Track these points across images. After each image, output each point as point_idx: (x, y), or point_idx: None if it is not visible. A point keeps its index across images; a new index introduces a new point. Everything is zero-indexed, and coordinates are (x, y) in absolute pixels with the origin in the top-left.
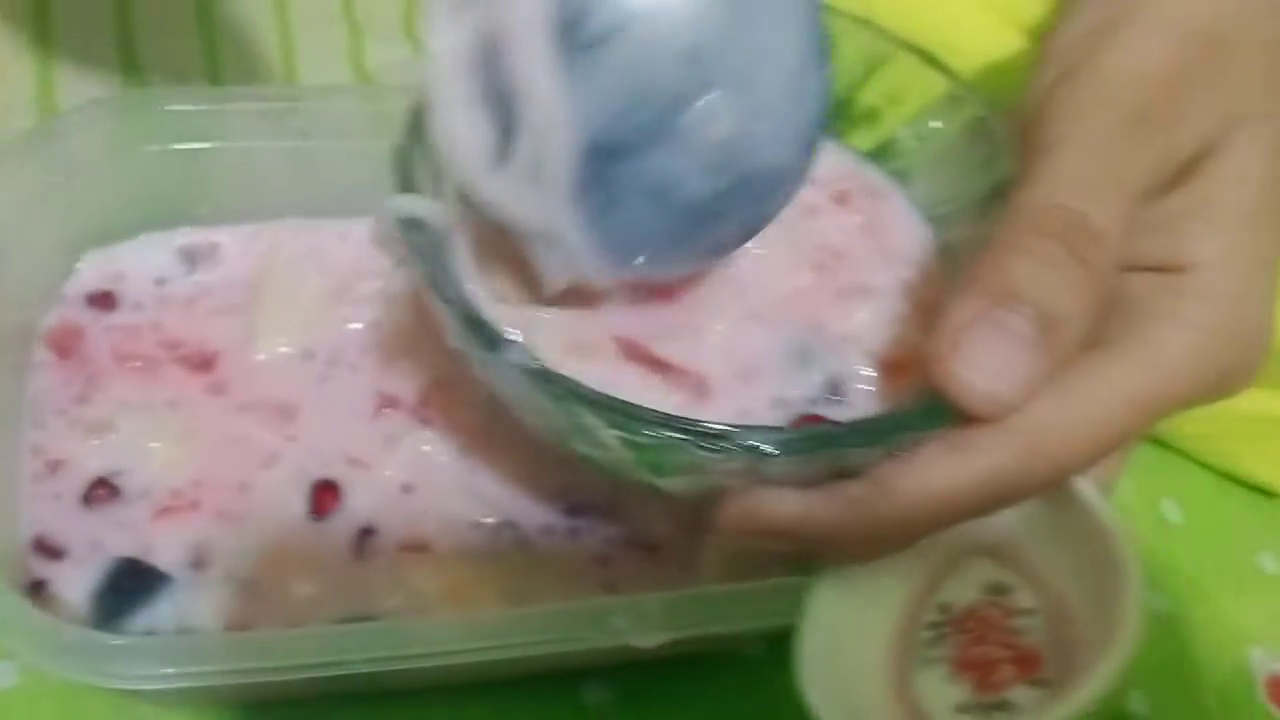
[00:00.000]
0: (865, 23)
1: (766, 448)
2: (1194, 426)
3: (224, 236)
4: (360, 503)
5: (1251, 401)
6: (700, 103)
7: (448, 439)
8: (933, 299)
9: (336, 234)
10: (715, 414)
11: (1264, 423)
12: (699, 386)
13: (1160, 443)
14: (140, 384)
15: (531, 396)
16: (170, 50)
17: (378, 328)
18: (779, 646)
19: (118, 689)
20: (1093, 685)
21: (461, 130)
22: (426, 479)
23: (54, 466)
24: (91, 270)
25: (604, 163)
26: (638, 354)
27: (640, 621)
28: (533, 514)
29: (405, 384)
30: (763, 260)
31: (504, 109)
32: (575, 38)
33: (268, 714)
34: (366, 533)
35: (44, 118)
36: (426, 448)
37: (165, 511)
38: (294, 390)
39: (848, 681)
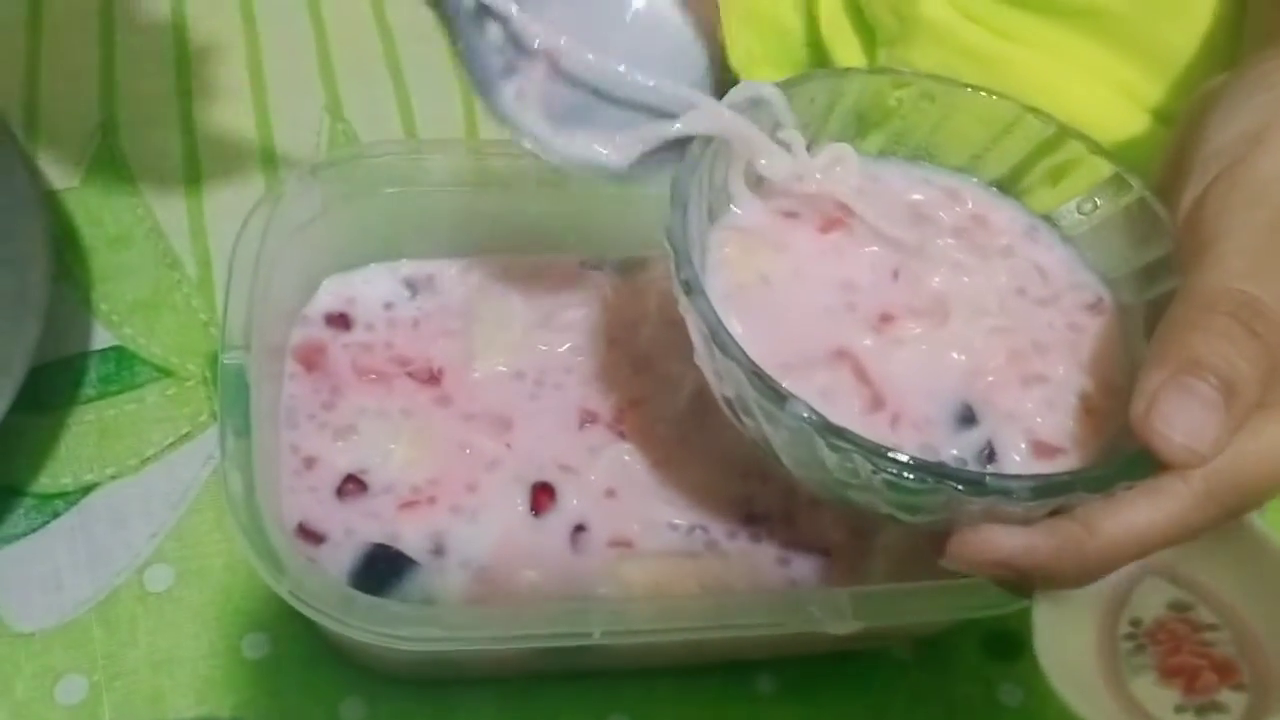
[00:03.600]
0: (1035, 110)
1: (1020, 492)
2: None
3: (438, 269)
4: (572, 503)
5: None
6: None
7: (643, 451)
8: (1100, 393)
9: (533, 269)
10: (879, 434)
11: None
12: (876, 401)
13: None
14: (376, 394)
15: (809, 446)
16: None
17: (578, 351)
18: (924, 647)
19: (357, 660)
20: None
21: None
22: (626, 485)
23: (309, 463)
24: (329, 295)
25: None
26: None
27: (834, 611)
28: (718, 519)
29: (603, 402)
30: (973, 324)
31: None
32: None
33: (483, 688)
34: (579, 529)
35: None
36: (626, 458)
37: (407, 505)
38: (508, 404)
39: (1075, 682)
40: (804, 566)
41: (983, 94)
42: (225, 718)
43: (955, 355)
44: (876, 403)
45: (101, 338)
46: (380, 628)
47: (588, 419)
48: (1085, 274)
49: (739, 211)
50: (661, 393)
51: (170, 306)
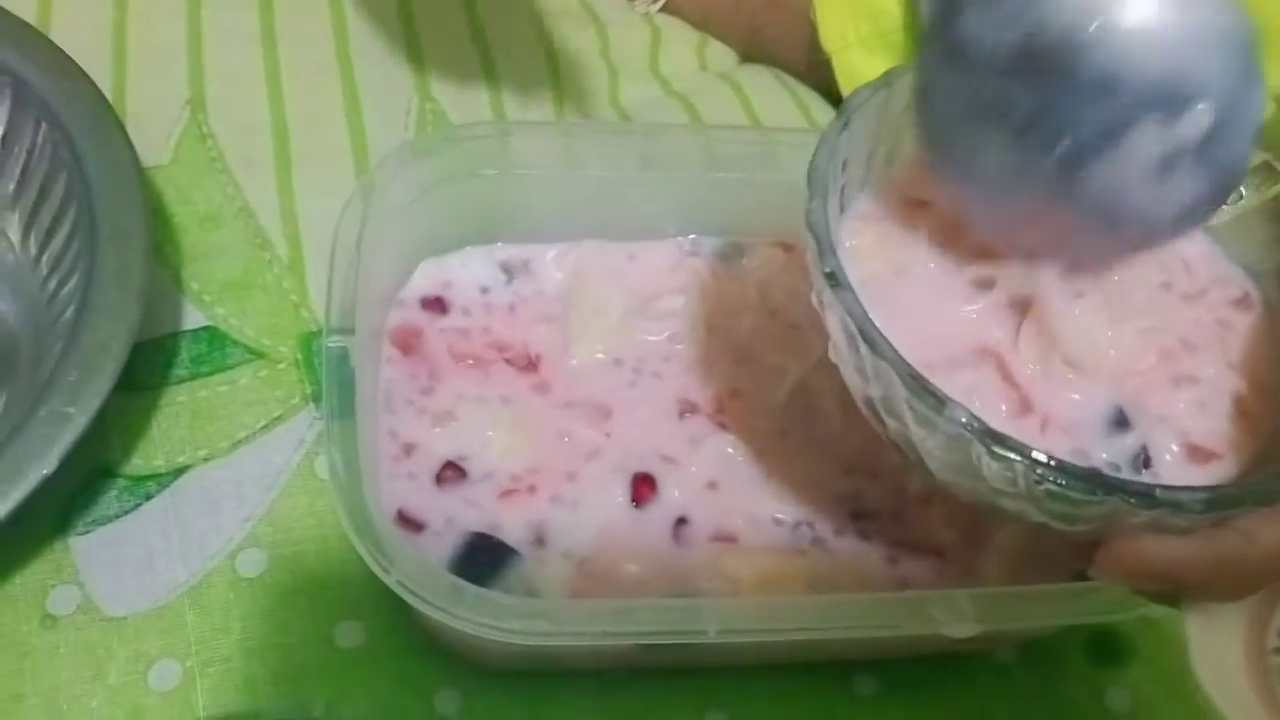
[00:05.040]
0: None
1: (1192, 505)
2: None
3: (534, 253)
4: (673, 495)
5: None
6: None
7: (745, 444)
8: (1253, 394)
9: (628, 255)
10: (1029, 440)
11: None
12: (1024, 404)
13: None
14: (475, 380)
15: (965, 453)
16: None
17: (677, 340)
18: (1028, 651)
19: (452, 651)
20: None
21: None
22: (729, 477)
23: (408, 449)
24: (424, 279)
25: None
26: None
27: (954, 613)
28: (824, 515)
29: (702, 392)
30: (1123, 321)
31: None
32: None
33: (580, 682)
34: (681, 522)
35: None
36: (729, 450)
37: (507, 493)
38: (607, 392)
39: (1231, 696)
40: (914, 566)
41: None
42: (319, 705)
43: (1110, 351)
44: (1024, 406)
45: (193, 318)
46: (489, 620)
47: (687, 409)
48: (1229, 267)
49: (870, 199)
50: (763, 384)
51: (261, 287)
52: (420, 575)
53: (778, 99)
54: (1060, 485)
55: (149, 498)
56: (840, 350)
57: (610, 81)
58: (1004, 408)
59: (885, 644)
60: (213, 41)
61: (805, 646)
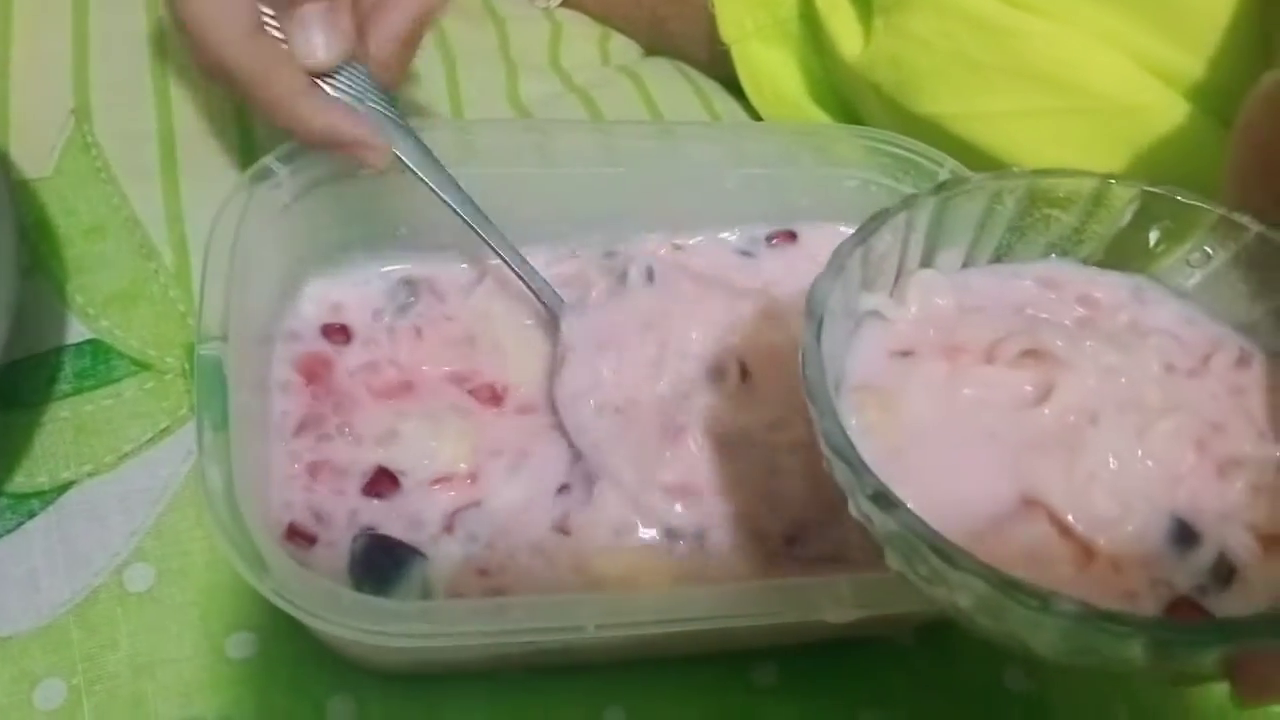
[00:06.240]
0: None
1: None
2: None
3: (435, 270)
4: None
5: None
6: None
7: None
8: None
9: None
10: (1108, 588)
11: None
12: (1085, 552)
13: None
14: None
15: (1080, 637)
16: None
17: None
18: (926, 635)
19: (345, 657)
20: None
21: None
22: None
23: (313, 469)
24: (310, 303)
25: None
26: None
27: (834, 599)
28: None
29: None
30: (1161, 436)
31: None
32: None
33: (474, 684)
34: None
35: None
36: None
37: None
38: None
39: None
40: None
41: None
42: (210, 718)
43: (1149, 464)
44: (1086, 554)
45: (76, 331)
46: (366, 625)
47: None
48: (1216, 327)
49: (856, 368)
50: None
51: (147, 298)
52: (296, 583)
53: (679, 91)
54: (1189, 644)
55: (32, 515)
56: (899, 563)
57: (509, 78)
58: (1068, 558)
59: (782, 632)
60: (99, 47)
61: (703, 638)
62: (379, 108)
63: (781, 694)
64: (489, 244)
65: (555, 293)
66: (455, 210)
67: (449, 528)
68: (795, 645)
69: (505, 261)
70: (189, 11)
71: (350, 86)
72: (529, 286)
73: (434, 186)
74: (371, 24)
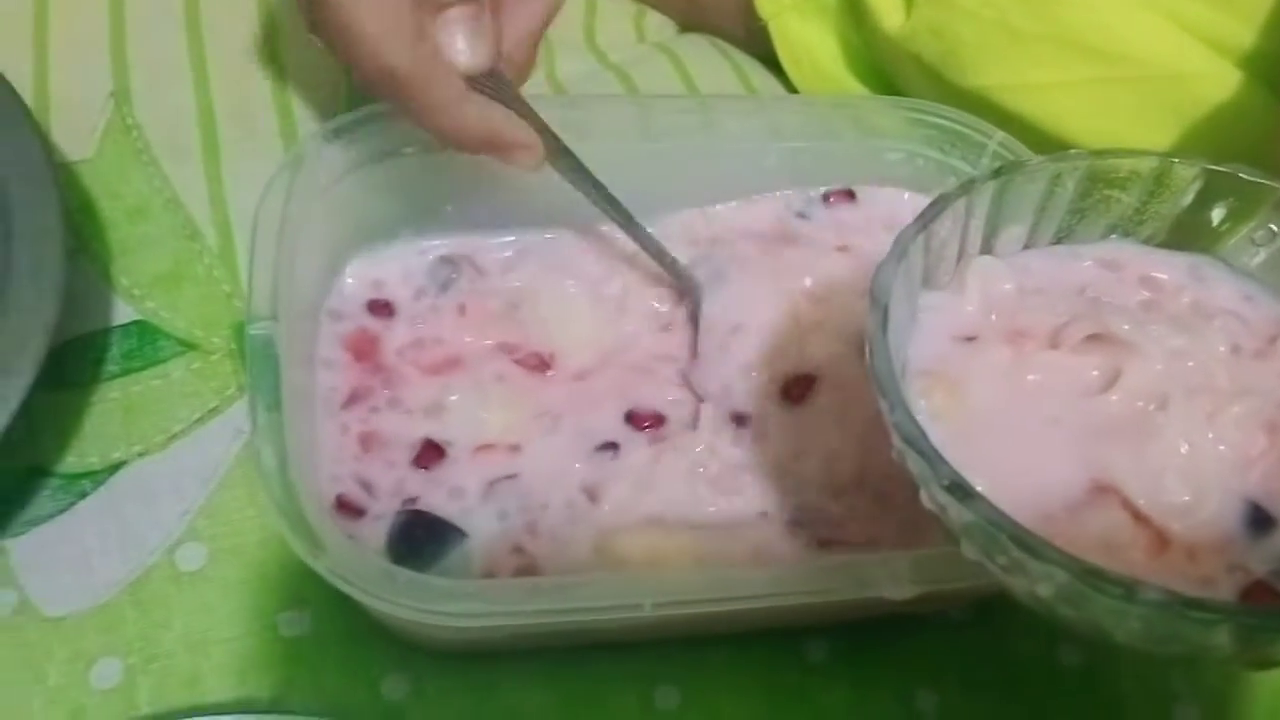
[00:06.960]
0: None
1: None
2: None
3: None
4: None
5: None
6: None
7: None
8: None
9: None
10: (1185, 576)
11: None
12: (1159, 540)
13: None
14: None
15: (1165, 625)
16: None
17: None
18: (983, 609)
19: (398, 635)
20: None
21: None
22: None
23: (364, 439)
24: (352, 279)
25: None
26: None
27: (892, 576)
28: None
29: None
30: (1232, 420)
31: None
32: None
33: (528, 662)
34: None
35: None
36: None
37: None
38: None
39: None
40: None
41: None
42: (264, 698)
43: (1220, 448)
44: (1160, 541)
45: (123, 312)
46: (422, 604)
47: None
48: (1276, 305)
49: (919, 353)
50: None
51: (192, 278)
52: (352, 561)
53: (716, 67)
54: (1277, 629)
55: (84, 496)
56: (976, 553)
57: (546, 56)
58: (1143, 545)
59: (835, 609)
60: (136, 30)
61: (754, 615)
62: (518, 107)
63: (834, 670)
64: (621, 225)
65: (689, 272)
66: (590, 196)
67: (487, 496)
68: (849, 620)
69: (639, 243)
70: (342, 19)
71: (490, 86)
72: (662, 265)
73: (571, 177)
74: (503, 25)
